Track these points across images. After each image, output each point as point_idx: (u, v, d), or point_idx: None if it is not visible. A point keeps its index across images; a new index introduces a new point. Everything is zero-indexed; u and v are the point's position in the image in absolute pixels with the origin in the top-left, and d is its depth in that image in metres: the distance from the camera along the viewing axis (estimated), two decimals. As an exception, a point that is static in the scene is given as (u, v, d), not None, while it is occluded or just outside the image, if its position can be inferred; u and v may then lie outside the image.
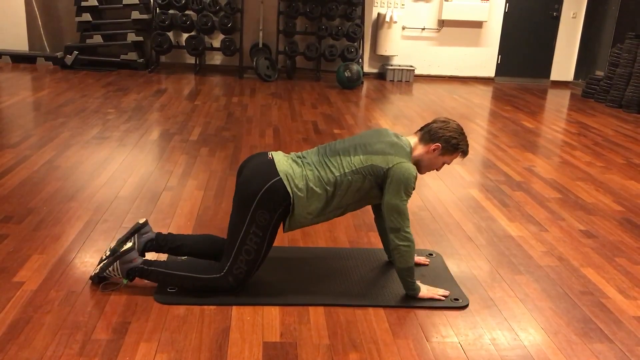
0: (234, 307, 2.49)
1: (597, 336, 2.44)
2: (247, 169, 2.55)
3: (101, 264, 2.58)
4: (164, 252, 2.74)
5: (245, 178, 2.51)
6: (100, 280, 2.59)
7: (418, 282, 2.64)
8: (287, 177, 2.47)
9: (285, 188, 2.45)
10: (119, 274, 2.56)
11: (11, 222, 3.20)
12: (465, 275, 2.91)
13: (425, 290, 2.63)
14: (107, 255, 2.60)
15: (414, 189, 2.52)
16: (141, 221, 2.73)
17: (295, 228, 2.57)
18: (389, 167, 2.49)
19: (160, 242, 2.70)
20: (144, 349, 2.17)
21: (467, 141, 2.65)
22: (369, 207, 3.62)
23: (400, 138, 2.62)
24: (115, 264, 2.54)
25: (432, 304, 2.59)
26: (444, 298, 2.62)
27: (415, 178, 2.51)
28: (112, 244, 2.65)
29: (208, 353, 2.17)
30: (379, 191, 2.56)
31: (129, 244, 2.57)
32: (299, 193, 2.47)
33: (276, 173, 2.47)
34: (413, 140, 2.65)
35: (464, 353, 2.27)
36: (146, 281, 2.63)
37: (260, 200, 2.44)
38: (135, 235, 2.69)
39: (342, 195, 2.52)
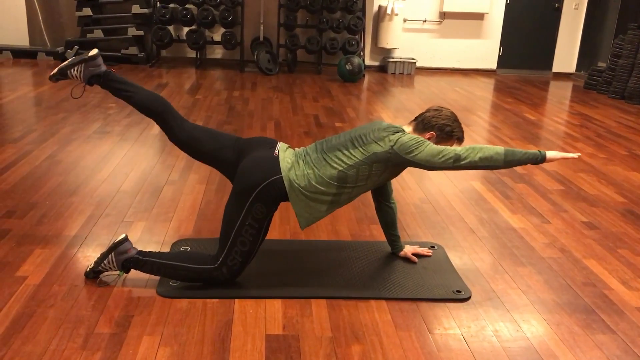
0: (236, 301, 2.49)
1: (599, 327, 2.44)
2: (249, 160, 2.51)
3: (95, 259, 2.59)
4: (105, 88, 2.69)
5: (246, 168, 2.49)
6: (95, 275, 2.59)
7: (539, 150, 2.45)
8: (289, 178, 2.46)
9: (285, 186, 2.45)
10: (114, 266, 2.55)
11: (14, 217, 3.21)
12: (468, 267, 2.91)
13: (554, 154, 2.41)
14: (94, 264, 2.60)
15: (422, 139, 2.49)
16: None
17: (311, 223, 2.54)
18: (392, 145, 2.47)
19: (107, 77, 2.65)
20: (146, 343, 2.18)
21: (461, 128, 2.65)
22: (371, 201, 3.62)
23: (394, 125, 2.63)
24: (110, 255, 2.54)
25: (434, 296, 2.59)
26: (576, 156, 2.45)
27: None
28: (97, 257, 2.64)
29: (211, 346, 2.18)
30: (392, 171, 2.53)
31: (122, 235, 2.58)
32: (303, 191, 2.46)
33: (279, 171, 2.46)
34: (407, 129, 2.65)
35: (466, 345, 2.27)
36: (148, 275, 2.63)
37: (259, 194, 2.43)
38: (83, 65, 2.65)
39: (352, 187, 2.50)
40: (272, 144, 2.60)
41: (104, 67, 2.66)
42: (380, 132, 2.53)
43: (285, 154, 2.55)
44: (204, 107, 6.20)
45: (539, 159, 2.41)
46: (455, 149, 2.43)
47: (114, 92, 2.66)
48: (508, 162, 2.39)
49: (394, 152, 2.46)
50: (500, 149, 2.40)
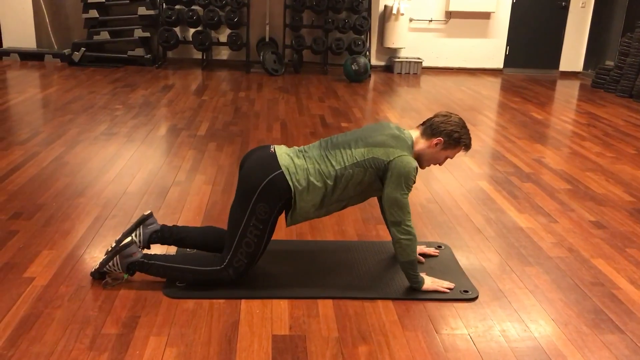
0: (243, 301, 2.49)
1: (608, 327, 2.42)
2: (249, 162, 2.55)
3: (101, 260, 2.60)
4: (169, 244, 2.75)
5: (246, 171, 2.51)
6: (100, 276, 2.59)
7: (423, 275, 2.64)
8: (288, 171, 2.47)
9: (286, 182, 2.45)
10: (119, 269, 2.56)
11: (21, 218, 3.22)
12: (475, 267, 2.90)
13: (430, 283, 2.62)
14: (112, 246, 2.61)
15: (414, 182, 2.52)
16: (146, 213, 2.73)
17: (297, 222, 2.57)
18: (390, 159, 2.48)
19: (165, 234, 2.71)
20: (153, 343, 2.18)
21: (469, 135, 2.63)
22: (377, 201, 3.62)
23: (402, 131, 2.62)
24: (115, 258, 2.54)
25: (442, 296, 2.58)
26: (448, 290, 2.62)
27: (416, 171, 2.51)
28: (118, 237, 2.66)
29: (217, 347, 2.18)
30: (380, 184, 2.55)
31: (128, 239, 2.58)
32: (300, 187, 2.47)
33: (278, 167, 2.47)
34: (415, 134, 2.64)
35: (473, 345, 2.26)
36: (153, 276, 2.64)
37: (261, 194, 2.44)
38: (140, 227, 2.69)
39: (342, 189, 2.52)
40: (268, 146, 2.62)
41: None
42: (390, 139, 2.53)
43: (281, 149, 2.58)
44: (210, 108, 6.21)
45: (416, 285, 2.60)
46: (407, 218, 2.49)
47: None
48: (403, 264, 2.55)
49: (388, 166, 2.48)
50: (414, 256, 2.53)
